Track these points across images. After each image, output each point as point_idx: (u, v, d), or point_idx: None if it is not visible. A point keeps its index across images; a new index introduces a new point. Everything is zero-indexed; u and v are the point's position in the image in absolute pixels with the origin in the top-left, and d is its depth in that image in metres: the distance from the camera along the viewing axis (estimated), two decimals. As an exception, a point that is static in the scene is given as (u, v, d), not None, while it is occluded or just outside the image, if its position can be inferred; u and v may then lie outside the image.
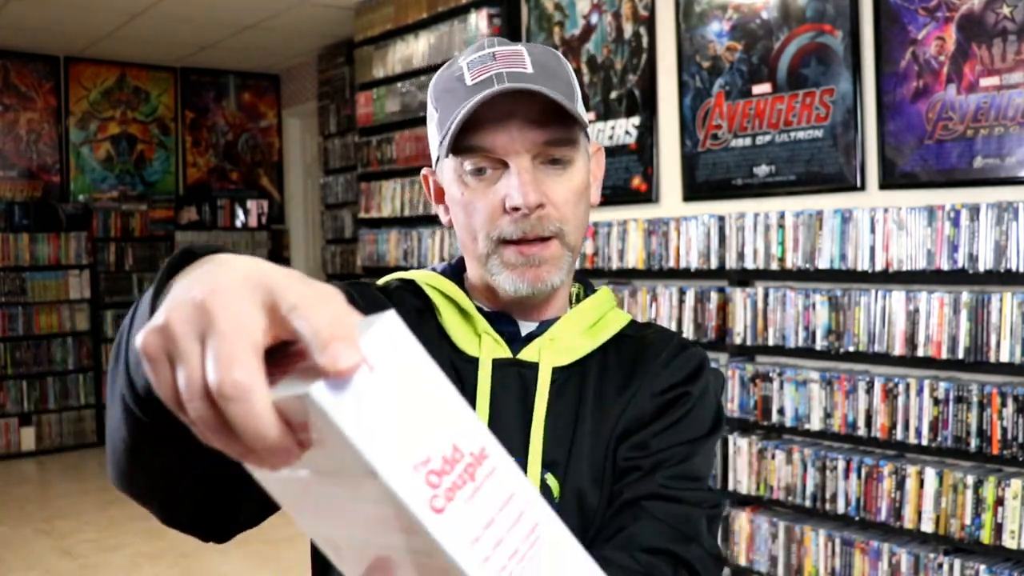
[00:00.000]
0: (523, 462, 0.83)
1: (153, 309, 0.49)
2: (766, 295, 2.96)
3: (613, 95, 3.58)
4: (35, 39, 5.63)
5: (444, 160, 0.86)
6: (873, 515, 2.66)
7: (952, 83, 2.58)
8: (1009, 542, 2.38)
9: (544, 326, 0.90)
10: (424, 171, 0.95)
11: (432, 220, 4.32)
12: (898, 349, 2.62)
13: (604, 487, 0.83)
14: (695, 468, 0.83)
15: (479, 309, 0.90)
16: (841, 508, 2.74)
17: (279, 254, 6.85)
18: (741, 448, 3.01)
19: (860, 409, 2.70)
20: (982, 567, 2.43)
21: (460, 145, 0.82)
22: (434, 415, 0.37)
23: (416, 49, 4.42)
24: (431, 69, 4.21)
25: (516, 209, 0.81)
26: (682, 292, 3.21)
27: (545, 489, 0.83)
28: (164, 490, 0.63)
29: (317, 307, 0.37)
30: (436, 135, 0.87)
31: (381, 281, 0.95)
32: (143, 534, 4.13)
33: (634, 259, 3.37)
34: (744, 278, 3.07)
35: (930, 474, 2.54)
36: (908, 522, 2.58)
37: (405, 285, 0.93)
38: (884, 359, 2.67)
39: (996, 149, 2.49)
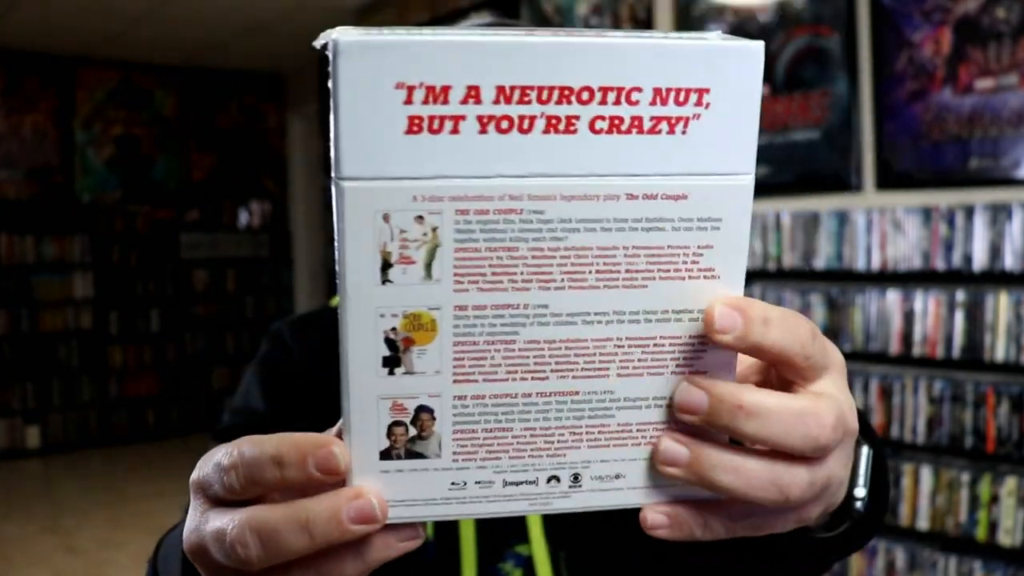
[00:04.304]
0: None
1: None
2: (763, 295, 2.99)
3: (613, 96, 3.60)
4: (40, 41, 5.67)
5: None
6: (869, 513, 2.68)
7: (948, 85, 2.60)
8: (1004, 540, 2.40)
9: None
10: None
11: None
12: (894, 348, 2.65)
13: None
14: None
15: None
16: (838, 506, 2.76)
17: (281, 255, 6.89)
18: (739, 447, 3.03)
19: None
20: (977, 564, 2.46)
21: None
22: None
23: (418, 51, 4.44)
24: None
25: None
26: (681, 292, 3.23)
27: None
28: None
29: None
30: None
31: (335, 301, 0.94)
32: (148, 531, 4.16)
33: (633, 259, 3.40)
34: (742, 278, 3.09)
35: (926, 472, 2.57)
36: (904, 520, 2.61)
37: None
38: (880, 358, 2.69)
39: (991, 150, 2.52)
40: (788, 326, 0.37)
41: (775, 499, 0.38)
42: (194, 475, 0.40)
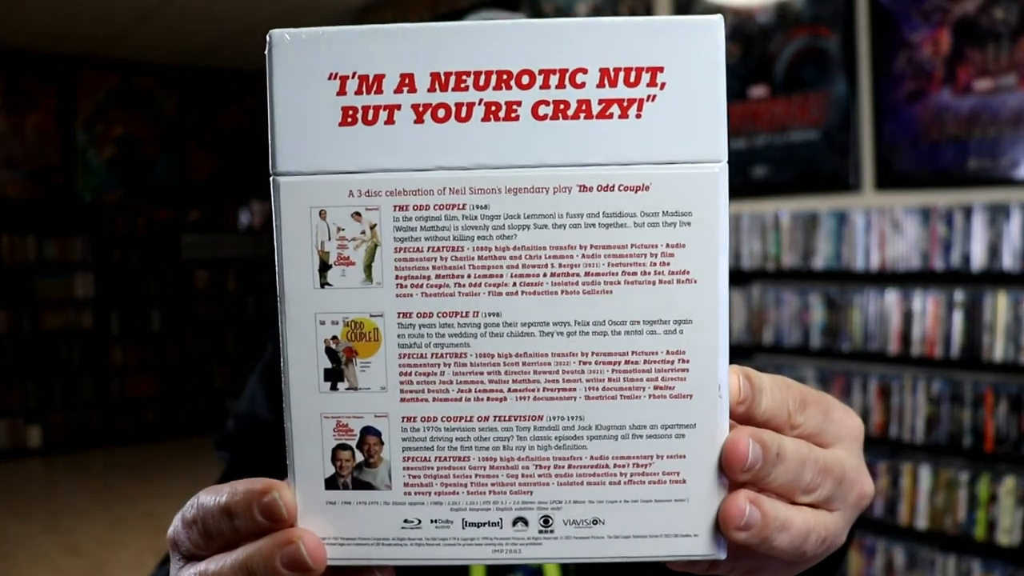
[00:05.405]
0: None
1: None
2: (762, 295, 2.99)
3: (613, 97, 3.60)
4: (42, 42, 5.68)
5: None
6: (868, 512, 2.69)
7: (946, 85, 2.61)
8: (1002, 539, 2.41)
9: None
10: None
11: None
12: (893, 348, 2.65)
13: None
14: None
15: None
16: (837, 505, 2.77)
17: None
18: (738, 446, 3.03)
19: (856, 407, 2.73)
20: (976, 564, 2.46)
21: None
22: None
23: (418, 51, 4.44)
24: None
25: None
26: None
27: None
28: None
29: None
30: None
31: None
32: (149, 531, 4.17)
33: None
34: (741, 278, 3.10)
35: (924, 472, 2.57)
36: (902, 519, 2.61)
37: None
38: (879, 358, 2.70)
39: (989, 151, 2.52)
40: (776, 394, 0.36)
41: (811, 551, 0.36)
42: (169, 531, 0.39)
